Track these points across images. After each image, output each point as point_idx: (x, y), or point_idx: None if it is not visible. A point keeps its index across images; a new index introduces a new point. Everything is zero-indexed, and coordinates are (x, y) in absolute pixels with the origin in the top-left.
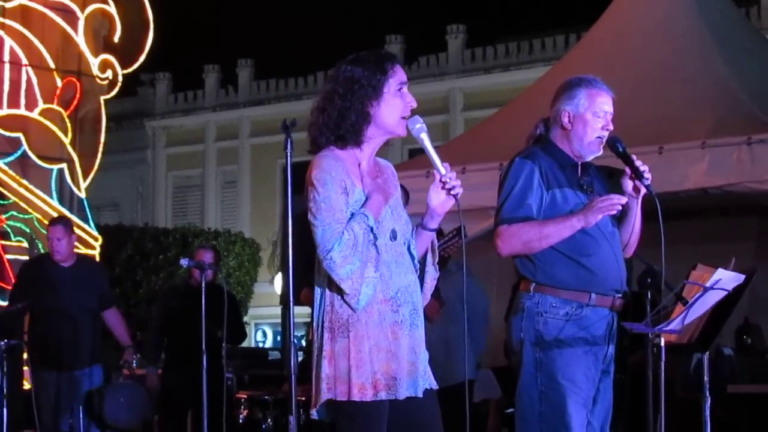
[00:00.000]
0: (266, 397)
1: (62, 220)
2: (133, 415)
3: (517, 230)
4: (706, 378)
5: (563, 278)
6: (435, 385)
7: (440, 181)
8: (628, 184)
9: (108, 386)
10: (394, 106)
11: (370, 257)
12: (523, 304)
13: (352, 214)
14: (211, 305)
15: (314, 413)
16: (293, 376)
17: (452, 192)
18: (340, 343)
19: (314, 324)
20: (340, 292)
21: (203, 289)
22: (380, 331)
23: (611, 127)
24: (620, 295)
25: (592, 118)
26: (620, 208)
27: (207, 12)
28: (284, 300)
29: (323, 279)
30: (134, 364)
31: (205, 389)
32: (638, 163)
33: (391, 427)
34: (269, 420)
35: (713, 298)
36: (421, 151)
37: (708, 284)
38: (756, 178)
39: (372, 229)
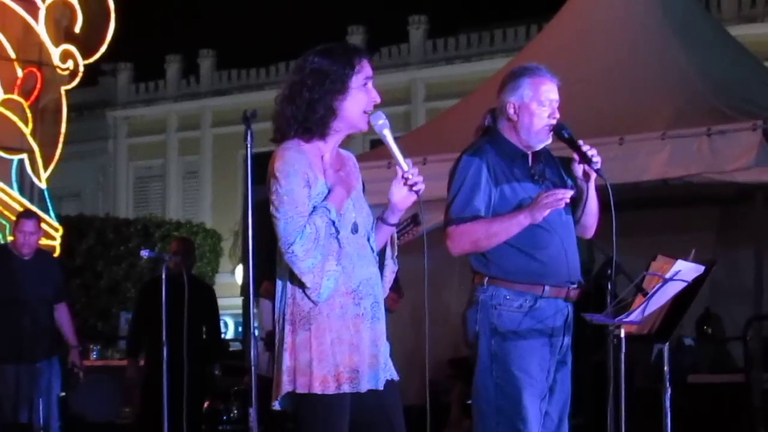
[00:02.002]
0: (226, 388)
1: (34, 214)
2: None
3: (466, 230)
4: (666, 368)
5: (516, 271)
6: (396, 377)
7: (402, 177)
8: (578, 169)
9: (79, 382)
10: (359, 101)
11: (331, 250)
12: (477, 297)
13: (314, 207)
14: (194, 299)
15: (276, 404)
16: (253, 367)
17: (414, 188)
18: (301, 335)
19: (276, 316)
20: (301, 284)
21: (163, 281)
22: (342, 324)
23: (558, 115)
24: (575, 285)
25: (538, 108)
26: (567, 201)
27: (168, 2)
28: (245, 291)
29: (285, 271)
30: (94, 355)
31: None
32: (585, 147)
33: (354, 419)
34: (232, 412)
35: (673, 289)
36: (382, 142)
37: (668, 275)
38: (716, 169)
39: (334, 222)
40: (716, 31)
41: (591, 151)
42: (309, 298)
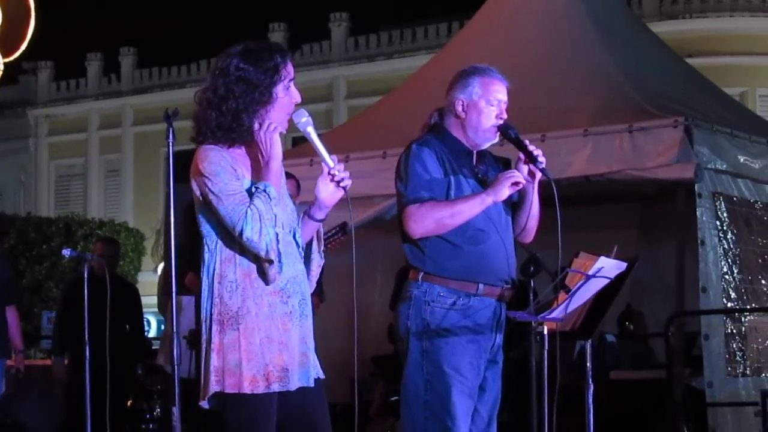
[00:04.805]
0: (149, 387)
1: None
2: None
3: (429, 209)
4: (589, 365)
5: (452, 268)
6: (322, 375)
7: (329, 173)
8: (523, 170)
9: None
10: (283, 107)
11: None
12: (410, 293)
13: (251, 193)
14: (117, 298)
15: (204, 403)
16: (176, 366)
17: (341, 184)
18: (229, 335)
19: (202, 315)
20: (229, 284)
21: (85, 281)
22: (271, 323)
23: (505, 116)
24: (509, 285)
25: (486, 106)
26: (522, 184)
27: (89, 0)
28: (167, 289)
29: (211, 271)
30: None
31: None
32: (531, 147)
33: (282, 416)
34: (155, 410)
35: (595, 286)
36: (304, 139)
37: (590, 272)
38: (637, 166)
39: (270, 195)
40: (637, 27)
41: (537, 151)
42: (265, 279)
